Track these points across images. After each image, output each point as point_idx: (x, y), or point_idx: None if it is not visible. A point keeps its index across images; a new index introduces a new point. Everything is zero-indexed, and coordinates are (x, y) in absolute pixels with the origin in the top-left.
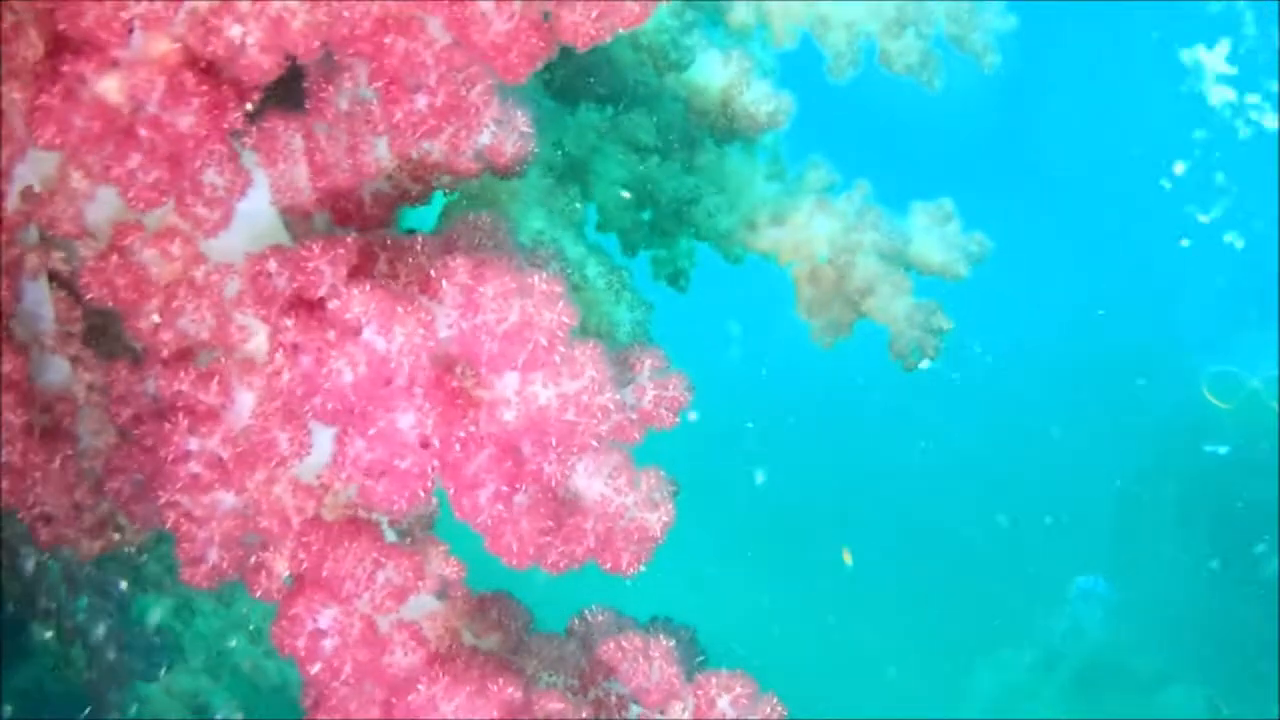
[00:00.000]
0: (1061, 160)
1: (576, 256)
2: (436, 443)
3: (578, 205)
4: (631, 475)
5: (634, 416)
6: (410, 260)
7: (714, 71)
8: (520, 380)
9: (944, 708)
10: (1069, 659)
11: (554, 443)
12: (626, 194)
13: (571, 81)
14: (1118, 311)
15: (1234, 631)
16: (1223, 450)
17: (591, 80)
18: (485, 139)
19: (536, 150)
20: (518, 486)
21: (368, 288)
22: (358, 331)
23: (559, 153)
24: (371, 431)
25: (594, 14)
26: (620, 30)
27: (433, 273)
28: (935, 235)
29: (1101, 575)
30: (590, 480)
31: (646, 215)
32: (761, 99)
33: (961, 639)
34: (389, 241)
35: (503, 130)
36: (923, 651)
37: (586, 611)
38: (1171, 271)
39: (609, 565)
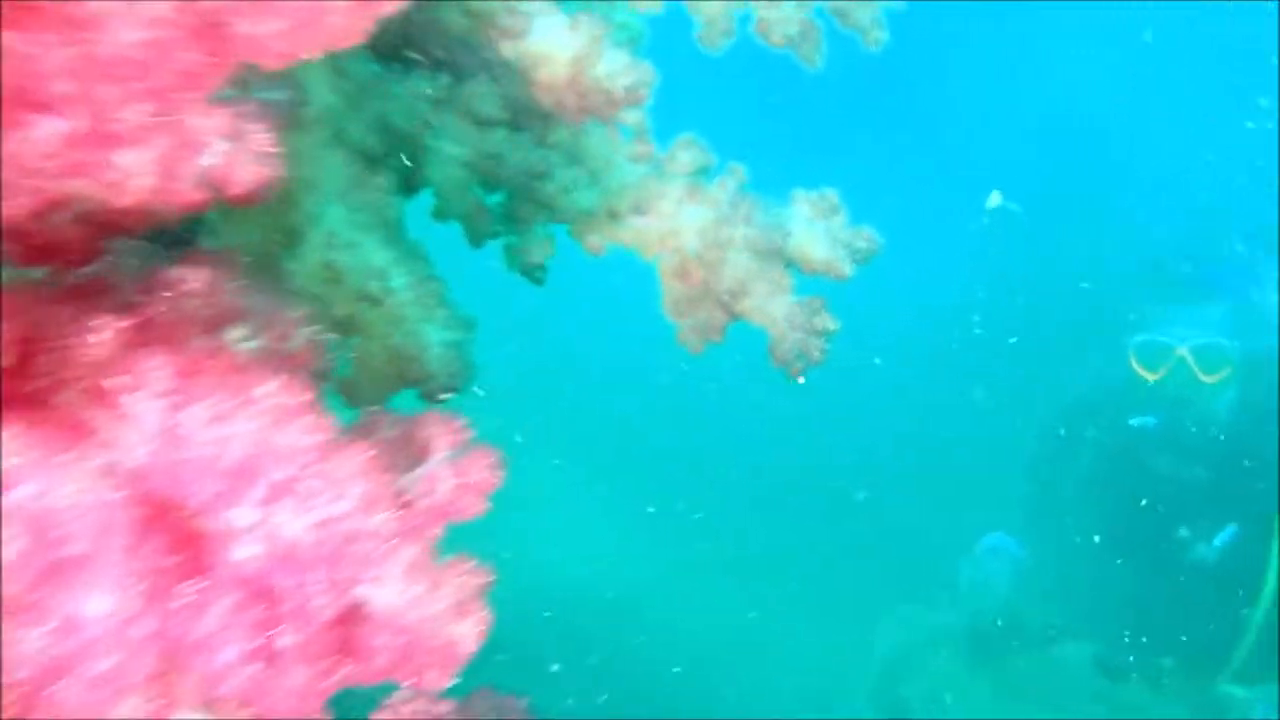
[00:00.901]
0: (969, 133)
1: (381, 263)
2: (151, 622)
3: (391, 198)
4: (432, 577)
5: (427, 511)
6: (85, 355)
7: (560, 40)
8: (260, 513)
9: (847, 665)
10: (969, 614)
11: (319, 575)
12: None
13: (400, 44)
14: (1045, 274)
15: (1141, 602)
16: (1149, 422)
17: (421, 44)
18: (211, 161)
19: (347, 128)
20: (274, 632)
21: (19, 426)
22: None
23: (372, 133)
24: (49, 626)
25: (277, 29)
26: (327, 47)
27: (116, 383)
28: (819, 229)
29: (1011, 534)
30: (377, 590)
31: (494, 199)
32: (617, 71)
33: (868, 596)
34: (62, 318)
35: (235, 152)
36: (828, 610)
37: (390, 704)
38: (1101, 237)
39: (411, 682)
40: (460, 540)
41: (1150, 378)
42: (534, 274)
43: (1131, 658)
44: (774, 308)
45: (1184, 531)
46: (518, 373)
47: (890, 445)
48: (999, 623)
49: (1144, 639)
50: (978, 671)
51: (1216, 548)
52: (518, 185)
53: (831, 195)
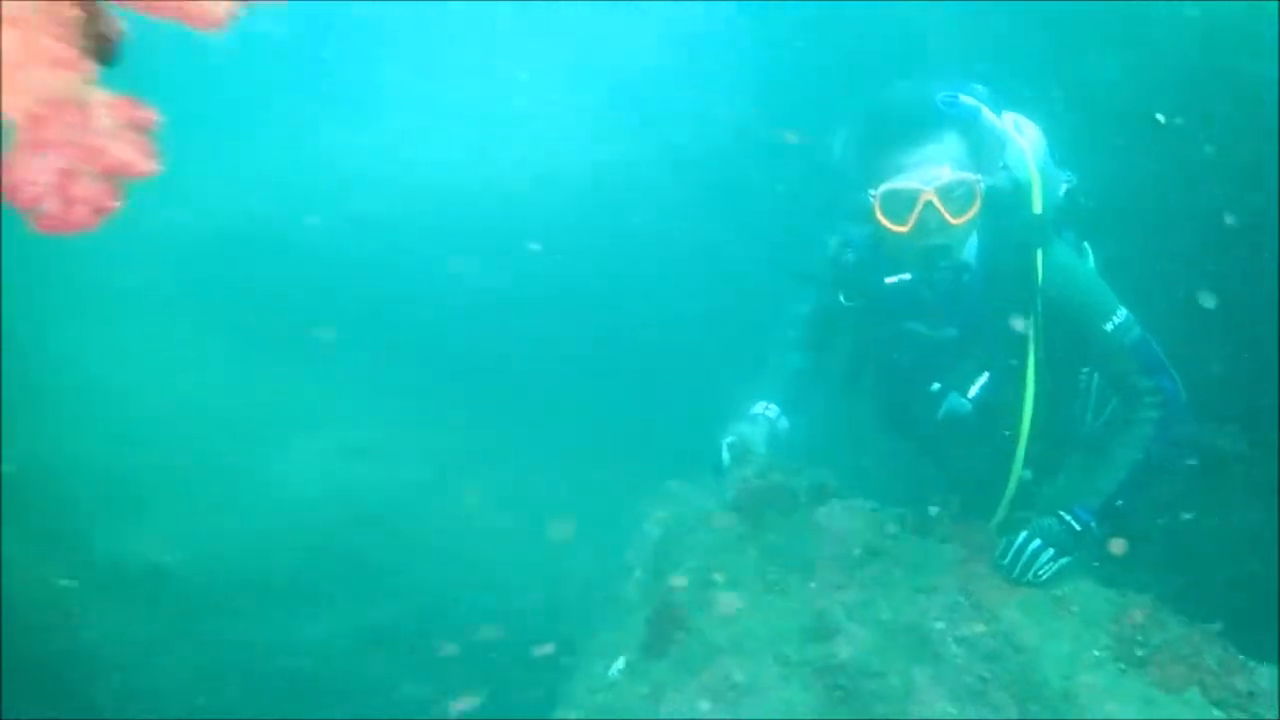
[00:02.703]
0: None
1: None
2: None
3: None
4: None
5: None
6: None
7: None
8: None
9: (621, 553)
10: (733, 485)
11: None
12: None
13: None
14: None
15: (906, 458)
16: (905, 279)
17: None
18: None
19: None
20: None
21: None
22: None
23: None
24: None
25: None
26: None
27: None
28: None
29: (778, 399)
30: None
31: None
32: None
33: (641, 477)
34: None
35: None
36: (600, 495)
37: None
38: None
39: None
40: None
41: (900, 230)
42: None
43: (900, 509)
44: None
45: (937, 386)
46: (242, 284)
47: (664, 316)
48: (760, 489)
49: (912, 491)
50: (745, 542)
51: (971, 399)
52: None
53: None
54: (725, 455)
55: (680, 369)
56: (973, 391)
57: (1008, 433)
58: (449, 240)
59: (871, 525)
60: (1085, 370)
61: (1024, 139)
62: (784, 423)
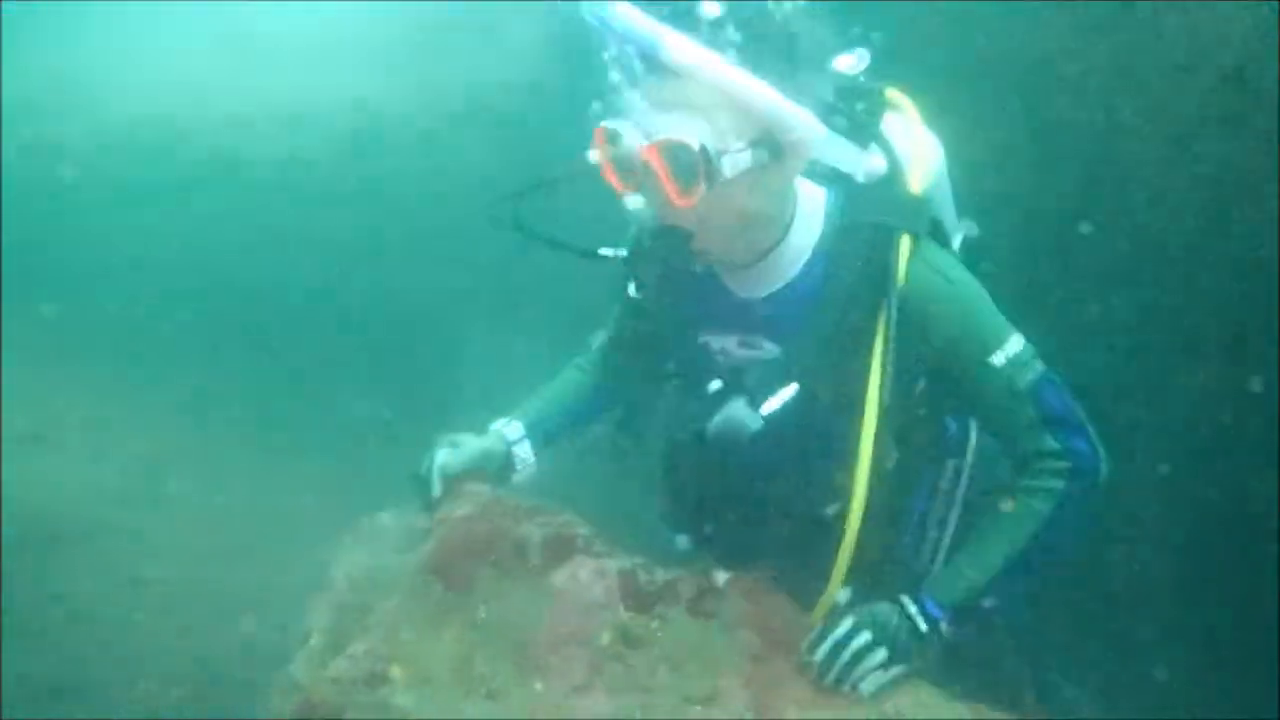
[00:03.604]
0: None
1: None
2: None
3: None
4: None
5: None
6: None
7: None
8: None
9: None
10: (441, 529)
11: None
12: None
13: None
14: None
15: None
16: (621, 253)
17: None
18: None
19: None
20: None
21: None
22: None
23: None
24: None
25: None
26: None
27: None
28: None
29: (525, 421)
30: None
31: None
32: None
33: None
34: None
35: None
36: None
37: None
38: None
39: None
40: None
41: (622, 190)
42: None
43: (675, 575)
44: None
45: (717, 384)
46: None
47: (419, 296)
48: (474, 536)
49: (693, 549)
50: (445, 615)
51: (764, 415)
52: None
53: None
54: (433, 481)
55: (437, 364)
56: (769, 405)
57: (827, 509)
58: (169, 184)
59: (631, 597)
60: (957, 424)
61: (908, 139)
62: (525, 449)
